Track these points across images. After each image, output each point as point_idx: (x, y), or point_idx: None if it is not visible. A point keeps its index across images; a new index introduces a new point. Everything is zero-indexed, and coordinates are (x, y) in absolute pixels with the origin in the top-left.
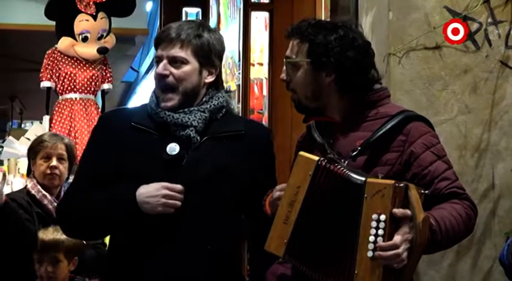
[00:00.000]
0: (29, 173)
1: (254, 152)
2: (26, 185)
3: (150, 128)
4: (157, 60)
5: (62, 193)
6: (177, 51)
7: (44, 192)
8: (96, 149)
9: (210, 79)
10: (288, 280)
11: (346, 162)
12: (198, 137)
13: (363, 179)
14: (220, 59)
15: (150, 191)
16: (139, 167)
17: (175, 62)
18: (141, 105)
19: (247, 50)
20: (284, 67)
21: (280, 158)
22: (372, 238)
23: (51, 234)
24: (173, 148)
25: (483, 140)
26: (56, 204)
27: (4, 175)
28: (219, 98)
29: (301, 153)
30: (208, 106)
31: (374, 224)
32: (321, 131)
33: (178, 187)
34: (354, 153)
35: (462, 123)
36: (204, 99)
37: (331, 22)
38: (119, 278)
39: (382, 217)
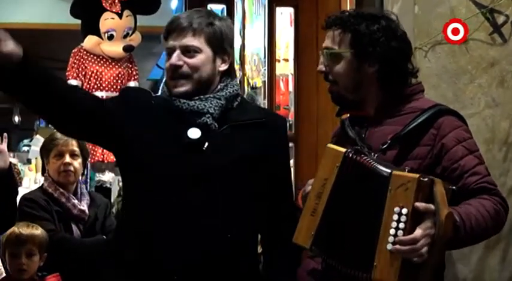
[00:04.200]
0: (44, 172)
1: (274, 142)
2: (42, 184)
3: (168, 113)
4: (169, 51)
5: (79, 190)
6: (189, 40)
7: (61, 190)
8: (113, 103)
9: (223, 67)
10: (319, 274)
11: (376, 155)
12: (216, 124)
13: (389, 171)
14: (232, 47)
15: None
16: (159, 146)
17: (188, 51)
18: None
19: (272, 46)
20: (321, 58)
21: (306, 153)
22: (392, 231)
23: (26, 228)
24: (195, 132)
25: (511, 134)
26: (74, 201)
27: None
28: (233, 86)
29: (329, 145)
30: (224, 93)
31: (395, 217)
32: (354, 126)
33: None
34: (384, 146)
35: (489, 117)
36: (218, 87)
37: (370, 12)
38: (130, 262)
39: (404, 211)
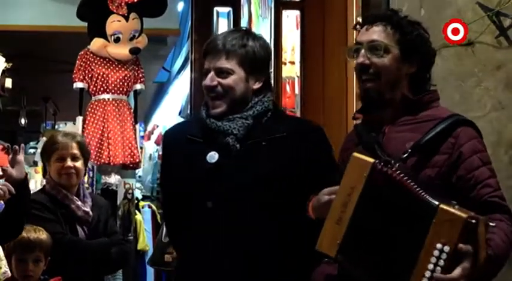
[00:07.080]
0: (45, 174)
1: (304, 152)
2: (44, 186)
3: (200, 138)
4: (205, 72)
5: (82, 191)
6: (222, 63)
7: (64, 191)
8: (165, 173)
9: (257, 85)
10: (334, 280)
11: (397, 164)
12: (238, 145)
13: (436, 203)
14: (268, 65)
15: None
16: (184, 175)
17: (221, 72)
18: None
19: (278, 48)
20: (362, 51)
21: None
22: (430, 266)
23: (34, 233)
24: (212, 156)
25: None
26: (78, 203)
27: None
28: (263, 103)
29: (355, 154)
30: (251, 112)
31: (436, 253)
32: (368, 130)
33: None
34: (405, 155)
35: (495, 119)
36: (250, 104)
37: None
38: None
39: (446, 248)
